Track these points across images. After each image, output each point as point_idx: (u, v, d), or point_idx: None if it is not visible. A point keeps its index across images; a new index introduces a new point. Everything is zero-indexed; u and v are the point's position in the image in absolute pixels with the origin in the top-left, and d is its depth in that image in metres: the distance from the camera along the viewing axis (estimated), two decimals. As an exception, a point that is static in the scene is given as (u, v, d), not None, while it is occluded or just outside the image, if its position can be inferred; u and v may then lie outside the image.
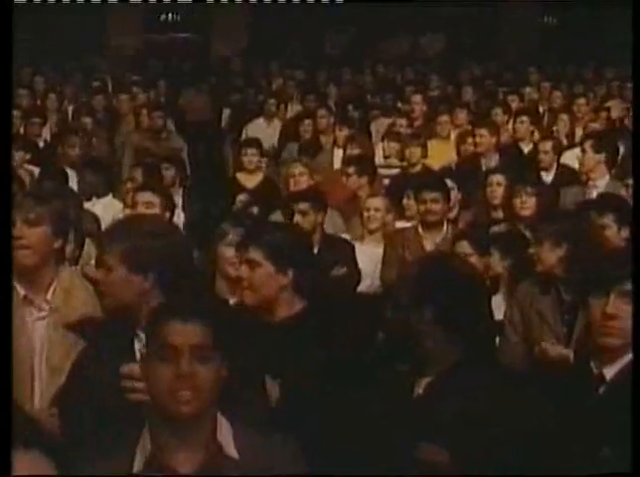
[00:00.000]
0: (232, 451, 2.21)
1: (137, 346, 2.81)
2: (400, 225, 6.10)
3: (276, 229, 3.47)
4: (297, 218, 5.36)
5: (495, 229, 5.51)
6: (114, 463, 2.22)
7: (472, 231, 5.42)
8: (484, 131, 7.76)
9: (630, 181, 6.06)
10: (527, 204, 5.64)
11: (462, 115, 9.10)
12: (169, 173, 6.83)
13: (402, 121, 9.25)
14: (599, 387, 2.71)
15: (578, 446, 2.60)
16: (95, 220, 5.47)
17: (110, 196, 6.46)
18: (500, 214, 6.00)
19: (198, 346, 2.19)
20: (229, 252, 3.83)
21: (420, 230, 5.69)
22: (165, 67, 13.87)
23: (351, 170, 6.83)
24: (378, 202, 5.97)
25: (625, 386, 2.65)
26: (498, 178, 6.13)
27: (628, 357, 2.71)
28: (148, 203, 5.02)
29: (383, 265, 5.65)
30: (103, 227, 5.08)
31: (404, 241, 5.63)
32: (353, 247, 5.68)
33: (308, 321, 3.09)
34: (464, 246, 4.89)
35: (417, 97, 9.80)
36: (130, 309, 2.82)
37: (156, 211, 4.92)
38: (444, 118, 8.90)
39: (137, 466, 2.21)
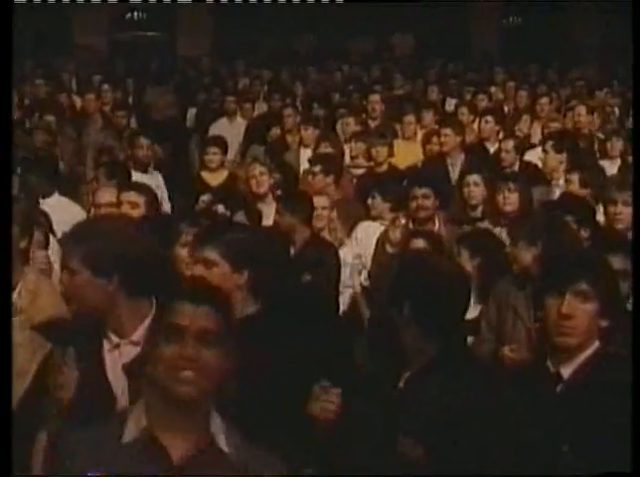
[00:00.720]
0: (223, 445, 2.21)
1: (107, 347, 2.82)
2: (365, 225, 6.14)
3: (235, 229, 3.46)
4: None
5: (465, 228, 5.56)
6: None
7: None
8: (449, 131, 7.82)
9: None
10: (510, 200, 5.69)
11: (428, 115, 9.15)
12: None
13: (369, 121, 9.29)
14: (557, 385, 2.74)
15: (539, 444, 2.64)
16: (47, 220, 5.35)
17: (57, 195, 6.35)
18: (478, 213, 6.02)
19: (205, 330, 2.18)
20: (184, 252, 3.80)
21: (411, 226, 5.69)
22: (131, 65, 13.80)
23: (317, 169, 6.85)
24: (323, 200, 5.94)
25: (583, 384, 2.70)
26: (474, 178, 6.19)
27: (585, 355, 2.76)
28: (133, 202, 4.97)
29: (372, 264, 5.68)
30: (56, 227, 5.02)
31: (394, 239, 5.64)
32: (336, 252, 5.65)
33: (260, 324, 3.06)
34: (420, 244, 4.95)
35: (376, 97, 9.84)
36: (97, 312, 2.80)
37: (141, 211, 4.87)
38: (410, 118, 8.95)
39: (128, 437, 2.20)
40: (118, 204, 5.00)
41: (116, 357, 2.81)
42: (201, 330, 2.18)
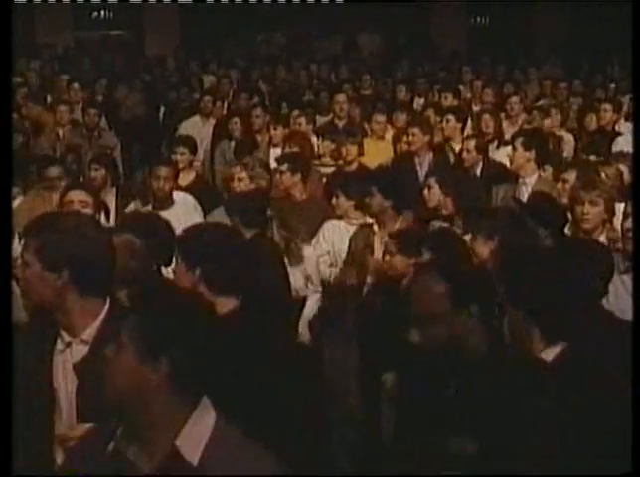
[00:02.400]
0: (189, 456, 2.16)
1: (59, 347, 2.81)
2: (333, 223, 6.16)
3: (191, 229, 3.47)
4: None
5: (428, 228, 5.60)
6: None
7: (402, 232, 5.49)
8: (417, 130, 7.87)
9: (566, 176, 6.24)
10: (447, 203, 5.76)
11: (399, 115, 9.19)
12: (99, 173, 6.78)
13: (335, 120, 9.32)
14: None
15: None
16: None
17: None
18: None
19: None
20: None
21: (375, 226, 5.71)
22: (98, 64, 13.72)
23: (284, 168, 6.86)
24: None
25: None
26: (431, 180, 6.24)
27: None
28: (83, 201, 5.01)
29: (344, 266, 5.70)
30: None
31: (363, 240, 5.66)
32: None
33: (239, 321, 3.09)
34: (390, 245, 4.99)
35: (342, 97, 9.89)
36: (47, 307, 2.78)
37: (89, 210, 4.90)
38: (378, 117, 8.99)
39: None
40: (68, 202, 5.05)
41: (67, 356, 2.79)
42: None
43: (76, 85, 10.53)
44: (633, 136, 3.69)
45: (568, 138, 8.12)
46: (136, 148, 9.17)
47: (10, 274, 2.72)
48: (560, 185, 6.21)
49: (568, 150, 7.99)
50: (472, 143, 7.56)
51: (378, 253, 5.41)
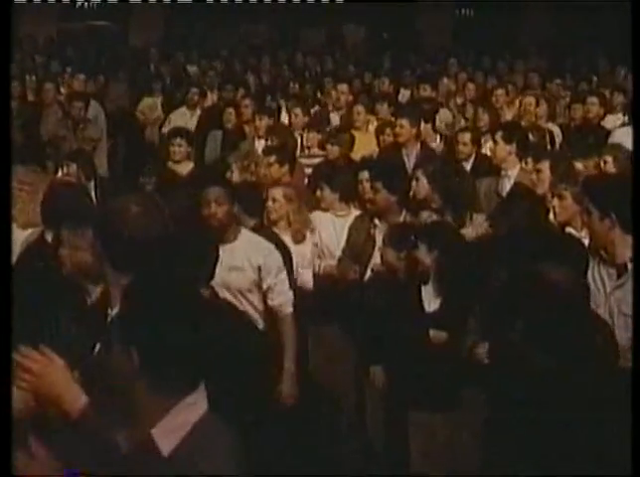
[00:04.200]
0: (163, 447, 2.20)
1: None
2: (319, 215, 6.17)
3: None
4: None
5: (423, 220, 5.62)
6: None
7: (395, 225, 5.52)
8: (405, 122, 7.86)
9: (540, 166, 6.26)
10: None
11: (383, 107, 9.19)
12: (71, 169, 6.77)
13: (333, 111, 9.32)
14: None
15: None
16: None
17: None
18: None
19: None
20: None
21: (376, 220, 5.75)
22: (83, 55, 13.66)
23: (271, 159, 6.87)
24: (278, 192, 5.93)
25: None
26: (418, 173, 6.23)
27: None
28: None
29: (342, 257, 5.75)
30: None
31: (358, 230, 5.71)
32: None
33: None
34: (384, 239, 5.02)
35: (344, 87, 9.86)
36: None
37: None
38: (361, 109, 8.97)
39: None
40: None
41: None
42: None
43: (59, 77, 10.49)
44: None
45: (557, 131, 8.12)
46: (121, 140, 9.15)
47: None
48: (534, 176, 6.22)
49: (557, 143, 7.98)
50: (467, 136, 7.54)
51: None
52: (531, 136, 8.07)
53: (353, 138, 7.96)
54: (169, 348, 2.15)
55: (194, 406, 2.22)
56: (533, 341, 2.77)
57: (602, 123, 9.24)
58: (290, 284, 5.16)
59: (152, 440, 2.19)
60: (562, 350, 2.82)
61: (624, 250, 3.86)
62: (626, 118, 9.16)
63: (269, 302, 4.99)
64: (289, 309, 5.02)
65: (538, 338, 2.79)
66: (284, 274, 5.04)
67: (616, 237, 3.89)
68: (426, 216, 5.70)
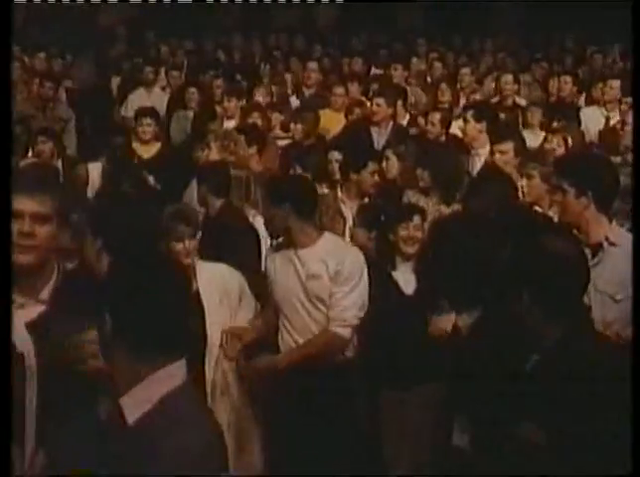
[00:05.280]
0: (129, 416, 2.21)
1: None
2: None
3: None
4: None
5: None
6: None
7: (365, 207, 5.53)
8: (381, 101, 7.82)
9: (503, 147, 6.29)
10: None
11: (354, 86, 9.16)
12: (47, 146, 6.71)
13: (303, 89, 9.29)
14: None
15: None
16: None
17: None
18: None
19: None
20: None
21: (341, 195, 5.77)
22: (50, 34, 13.49)
23: (241, 139, 6.84)
24: (248, 173, 5.97)
25: None
26: (388, 152, 6.21)
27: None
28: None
29: None
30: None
31: (324, 208, 5.69)
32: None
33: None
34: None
35: (313, 64, 9.81)
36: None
37: None
38: (335, 89, 8.93)
39: None
40: None
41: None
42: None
43: (26, 56, 10.37)
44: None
45: (531, 109, 8.11)
46: (89, 120, 9.06)
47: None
48: (502, 155, 6.24)
49: (533, 121, 7.98)
50: (437, 116, 7.52)
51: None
52: (502, 115, 8.10)
53: (318, 117, 7.93)
54: (147, 316, 2.16)
55: (168, 379, 2.21)
56: (538, 313, 2.74)
57: (575, 102, 9.29)
58: None
59: (121, 409, 2.20)
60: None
61: (599, 230, 3.82)
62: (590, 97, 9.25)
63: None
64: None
65: (541, 310, 2.76)
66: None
67: (591, 216, 3.84)
68: (411, 195, 5.71)
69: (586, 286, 2.86)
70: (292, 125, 7.70)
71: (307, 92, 9.51)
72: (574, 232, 3.87)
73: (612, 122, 8.26)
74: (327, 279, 4.36)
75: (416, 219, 4.74)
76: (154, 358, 2.20)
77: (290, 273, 4.41)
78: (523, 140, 6.51)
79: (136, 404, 2.19)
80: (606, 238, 3.78)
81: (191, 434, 2.15)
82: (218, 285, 4.46)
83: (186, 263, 4.29)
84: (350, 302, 4.38)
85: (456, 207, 5.35)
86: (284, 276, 4.44)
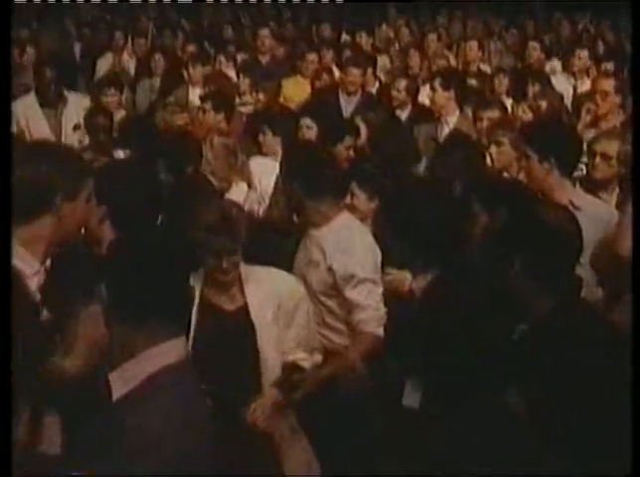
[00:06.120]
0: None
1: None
2: (258, 161, 6.08)
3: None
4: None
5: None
6: None
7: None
8: (355, 70, 7.71)
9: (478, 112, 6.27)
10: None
11: (327, 53, 9.06)
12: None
13: (259, 56, 9.19)
14: None
15: None
16: None
17: None
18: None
19: None
20: None
21: None
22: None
23: (207, 106, 6.76)
24: (215, 141, 5.83)
25: None
26: (357, 119, 6.15)
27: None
28: None
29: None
30: None
31: None
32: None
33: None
34: None
35: (265, 32, 9.69)
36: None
37: None
38: (307, 56, 8.84)
39: None
40: None
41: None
42: None
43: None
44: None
45: (498, 77, 8.09)
46: (52, 87, 8.90)
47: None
48: (472, 123, 6.23)
49: (500, 88, 7.96)
50: (402, 83, 7.46)
51: None
52: (473, 82, 8.08)
53: (280, 85, 7.85)
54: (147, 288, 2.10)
55: (160, 356, 2.13)
56: (530, 280, 2.71)
57: (543, 69, 9.27)
58: None
59: (109, 384, 2.14)
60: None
61: (562, 194, 3.94)
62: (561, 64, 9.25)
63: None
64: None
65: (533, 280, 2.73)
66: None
67: (554, 180, 3.97)
68: (369, 166, 5.67)
69: (579, 257, 2.85)
70: (254, 94, 7.61)
71: (263, 60, 9.37)
72: (539, 196, 3.91)
73: (580, 91, 8.29)
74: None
75: None
76: (153, 332, 2.13)
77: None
78: (496, 106, 6.50)
79: (124, 381, 2.12)
80: (570, 203, 3.82)
81: (173, 410, 2.07)
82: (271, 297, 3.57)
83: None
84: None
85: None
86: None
